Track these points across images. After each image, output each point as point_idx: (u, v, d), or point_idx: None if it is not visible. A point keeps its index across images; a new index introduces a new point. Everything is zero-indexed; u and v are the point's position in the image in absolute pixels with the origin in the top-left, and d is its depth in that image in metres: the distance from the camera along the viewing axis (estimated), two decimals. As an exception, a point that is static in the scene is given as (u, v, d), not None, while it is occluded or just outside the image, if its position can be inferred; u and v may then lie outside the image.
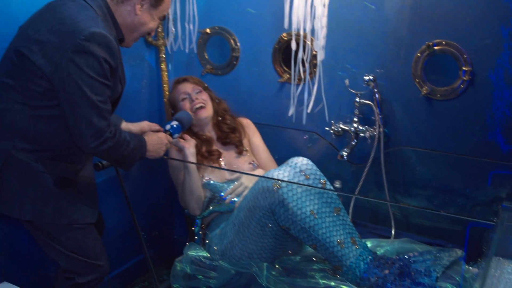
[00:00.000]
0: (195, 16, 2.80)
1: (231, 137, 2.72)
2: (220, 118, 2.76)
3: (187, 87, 2.69)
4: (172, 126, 2.43)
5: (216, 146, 2.70)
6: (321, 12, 2.30)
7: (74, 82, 1.79)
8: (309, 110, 2.49)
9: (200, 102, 2.66)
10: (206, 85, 2.78)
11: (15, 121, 1.88)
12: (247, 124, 2.83)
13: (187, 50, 2.91)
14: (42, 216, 1.96)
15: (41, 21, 1.90)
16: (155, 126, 2.42)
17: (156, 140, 2.25)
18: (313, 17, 2.34)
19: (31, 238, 2.17)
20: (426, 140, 2.54)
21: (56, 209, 1.97)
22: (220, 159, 2.65)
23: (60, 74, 1.80)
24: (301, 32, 2.38)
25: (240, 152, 2.69)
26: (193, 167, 2.54)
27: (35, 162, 1.91)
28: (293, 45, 2.40)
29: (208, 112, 2.68)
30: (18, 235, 2.31)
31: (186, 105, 2.65)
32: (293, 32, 2.40)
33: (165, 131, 2.40)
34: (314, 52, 2.49)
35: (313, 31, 2.39)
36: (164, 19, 2.20)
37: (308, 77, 2.49)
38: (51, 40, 1.82)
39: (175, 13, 2.87)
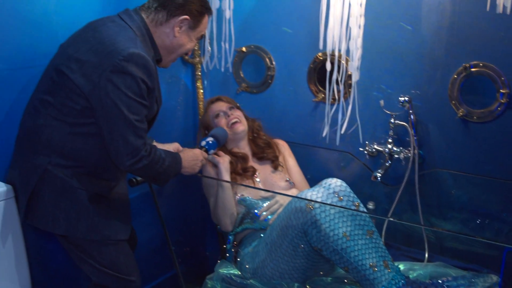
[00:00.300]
0: (232, 36, 2.82)
1: (267, 152, 2.74)
2: (255, 134, 2.79)
3: (221, 106, 2.73)
4: (207, 142, 2.46)
5: (251, 162, 2.71)
6: (357, 33, 2.29)
7: (112, 101, 1.83)
8: (342, 131, 2.49)
9: (235, 117, 2.69)
10: (238, 104, 2.82)
11: (52, 137, 1.92)
12: (283, 144, 2.85)
13: (222, 69, 2.94)
14: (75, 231, 2.00)
15: (81, 40, 1.95)
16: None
17: (191, 156, 2.28)
18: (348, 38, 2.33)
19: (65, 252, 2.20)
20: (462, 162, 2.51)
21: (89, 224, 2.00)
22: (255, 176, 2.66)
23: (98, 93, 1.84)
24: (336, 53, 2.38)
25: (275, 167, 2.71)
26: (228, 185, 2.55)
27: (70, 178, 1.95)
28: (328, 66, 2.40)
29: (244, 125, 2.71)
30: (52, 248, 2.35)
31: (222, 121, 2.68)
32: (328, 53, 2.40)
33: (201, 148, 2.43)
34: (349, 73, 2.49)
35: (348, 51, 2.39)
36: (201, 38, 2.24)
37: (342, 97, 2.48)
38: (90, 59, 1.87)
39: (211, 32, 2.90)
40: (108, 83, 1.83)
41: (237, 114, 2.72)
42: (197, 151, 2.36)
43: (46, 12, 2.20)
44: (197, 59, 2.97)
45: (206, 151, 2.44)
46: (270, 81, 2.96)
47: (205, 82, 3.10)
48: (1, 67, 2.04)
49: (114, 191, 2.11)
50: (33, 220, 2.01)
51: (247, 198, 2.56)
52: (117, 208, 2.12)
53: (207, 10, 2.14)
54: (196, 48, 2.95)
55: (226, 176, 2.56)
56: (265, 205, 2.57)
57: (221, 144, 2.56)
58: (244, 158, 2.69)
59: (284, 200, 2.54)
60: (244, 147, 2.75)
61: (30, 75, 2.12)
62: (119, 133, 1.87)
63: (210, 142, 2.47)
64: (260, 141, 2.77)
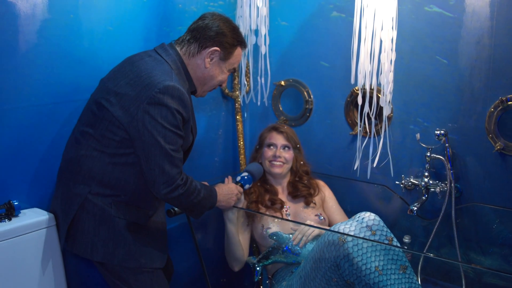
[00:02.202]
0: (268, 71, 2.87)
1: (301, 190, 2.71)
2: (297, 178, 2.75)
3: (279, 139, 2.71)
4: (242, 177, 2.50)
5: (281, 195, 2.71)
6: (388, 68, 2.31)
7: (149, 132, 1.90)
8: (374, 165, 2.48)
9: (280, 161, 2.68)
10: (299, 144, 2.77)
11: (92, 167, 2.00)
12: (323, 185, 2.82)
13: (259, 103, 2.99)
14: (112, 258, 2.05)
15: (120, 75, 2.04)
16: None
17: (227, 190, 2.34)
18: (380, 73, 2.35)
19: (102, 278, 2.26)
20: (499, 196, 2.46)
21: (126, 252, 2.05)
22: (284, 209, 2.66)
23: (136, 124, 1.92)
24: (367, 87, 2.39)
25: (307, 203, 2.69)
26: (232, 232, 2.57)
27: (109, 207, 2.02)
28: (359, 100, 2.42)
29: (282, 170, 2.69)
30: (91, 275, 2.42)
31: (269, 153, 2.69)
32: (360, 87, 2.42)
33: (236, 182, 2.47)
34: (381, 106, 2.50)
35: (380, 85, 2.40)
36: (234, 71, 2.28)
37: (373, 131, 2.48)
38: (128, 93, 1.95)
39: (248, 67, 2.97)
40: (145, 115, 1.90)
41: (285, 157, 2.69)
42: (232, 185, 2.41)
43: (91, 49, 2.31)
44: (237, 92, 3.04)
45: (242, 186, 2.48)
46: (308, 114, 3.00)
47: (245, 115, 3.15)
48: (45, 101, 2.15)
49: (152, 220, 2.16)
50: (72, 246, 2.08)
51: (279, 232, 2.56)
52: (154, 237, 2.17)
53: (239, 43, 2.19)
54: (235, 82, 3.02)
55: (230, 226, 2.57)
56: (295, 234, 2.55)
57: (256, 179, 2.59)
58: (273, 191, 2.70)
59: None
60: (282, 185, 2.76)
61: (72, 108, 2.23)
62: (155, 162, 1.93)
63: (246, 177, 2.52)
64: (299, 185, 2.73)
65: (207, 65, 2.13)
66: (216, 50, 2.11)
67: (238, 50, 2.20)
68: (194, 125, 2.16)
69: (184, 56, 2.12)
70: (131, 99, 1.94)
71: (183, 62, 2.11)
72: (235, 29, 2.18)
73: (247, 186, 2.51)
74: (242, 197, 2.62)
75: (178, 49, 2.12)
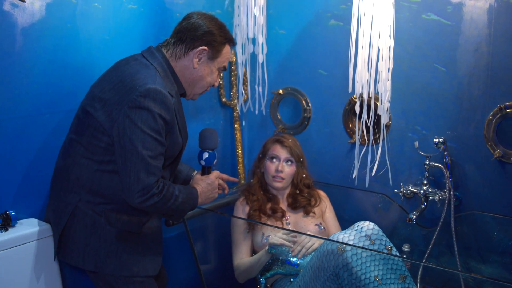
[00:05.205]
0: (265, 79, 2.86)
1: (300, 201, 2.68)
2: (297, 191, 2.71)
3: (283, 153, 2.65)
4: (205, 159, 2.34)
5: (282, 205, 2.68)
6: (385, 76, 2.30)
7: (127, 136, 1.86)
8: (373, 173, 2.47)
9: (281, 177, 2.64)
10: (302, 158, 2.71)
11: (81, 175, 1.97)
12: (324, 196, 2.79)
13: (256, 112, 2.99)
14: (104, 267, 2.01)
15: (105, 80, 2.01)
16: (226, 177, 2.43)
17: (206, 187, 2.24)
18: (377, 81, 2.34)
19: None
20: (500, 204, 2.45)
21: (118, 261, 2.02)
22: (286, 219, 2.64)
23: (116, 128, 1.88)
24: (365, 96, 2.38)
25: (307, 212, 2.65)
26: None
27: (99, 215, 1.98)
28: (357, 109, 2.41)
29: (282, 184, 2.65)
30: (87, 284, 2.37)
31: (271, 166, 2.65)
32: (357, 96, 2.41)
33: (203, 168, 2.36)
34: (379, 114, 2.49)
35: (378, 93, 2.40)
36: (224, 70, 2.22)
37: (371, 139, 2.46)
38: (112, 98, 1.92)
39: (245, 76, 2.96)
40: (125, 119, 1.87)
41: (287, 172, 2.65)
42: (211, 178, 2.29)
43: (88, 58, 2.31)
44: (235, 101, 3.03)
45: (210, 168, 2.36)
46: (306, 122, 2.99)
47: (243, 124, 3.15)
48: (42, 111, 2.15)
49: (145, 226, 2.09)
50: (64, 256, 2.05)
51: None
52: (147, 245, 2.11)
53: (227, 40, 2.14)
54: (234, 90, 3.02)
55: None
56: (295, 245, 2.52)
57: (216, 146, 2.40)
58: (275, 200, 2.68)
59: (315, 240, 2.50)
60: (283, 196, 2.73)
61: (69, 118, 2.18)
62: (131, 168, 1.87)
63: (207, 156, 2.34)
64: (299, 197, 2.69)
65: (195, 66, 2.08)
66: (204, 50, 2.07)
67: (227, 48, 2.15)
68: (183, 128, 2.11)
69: (171, 59, 2.07)
70: (114, 103, 1.91)
71: (170, 64, 2.07)
72: (222, 27, 2.13)
73: (214, 162, 2.36)
74: (245, 206, 2.63)
75: (164, 51, 2.08)
